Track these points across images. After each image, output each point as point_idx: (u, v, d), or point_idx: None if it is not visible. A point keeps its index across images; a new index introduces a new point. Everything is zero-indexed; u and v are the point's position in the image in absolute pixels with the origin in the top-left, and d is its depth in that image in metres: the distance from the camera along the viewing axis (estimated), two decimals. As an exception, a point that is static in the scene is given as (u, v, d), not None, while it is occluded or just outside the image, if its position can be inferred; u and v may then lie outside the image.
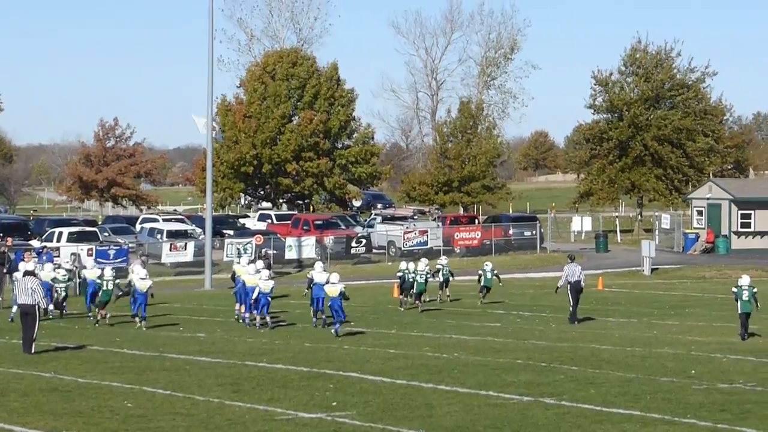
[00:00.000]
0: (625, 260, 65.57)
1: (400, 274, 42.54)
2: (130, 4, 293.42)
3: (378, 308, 43.04)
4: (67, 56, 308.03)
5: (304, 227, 68.02)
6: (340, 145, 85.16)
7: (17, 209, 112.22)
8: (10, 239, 55.66)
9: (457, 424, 18.24)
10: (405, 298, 42.68)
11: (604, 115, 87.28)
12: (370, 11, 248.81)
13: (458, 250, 66.80)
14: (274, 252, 60.44)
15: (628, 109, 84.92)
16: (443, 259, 46.23)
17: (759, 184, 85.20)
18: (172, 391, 21.40)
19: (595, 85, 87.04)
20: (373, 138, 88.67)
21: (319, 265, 36.53)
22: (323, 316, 35.23)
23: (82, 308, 39.25)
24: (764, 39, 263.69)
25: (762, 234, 68.95)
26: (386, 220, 74.25)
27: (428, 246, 65.88)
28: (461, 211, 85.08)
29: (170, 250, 61.13)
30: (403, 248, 65.59)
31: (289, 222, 71.34)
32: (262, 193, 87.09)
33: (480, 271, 44.74)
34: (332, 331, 32.25)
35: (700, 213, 71.90)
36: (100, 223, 76.82)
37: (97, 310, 36.73)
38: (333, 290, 32.77)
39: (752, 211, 69.01)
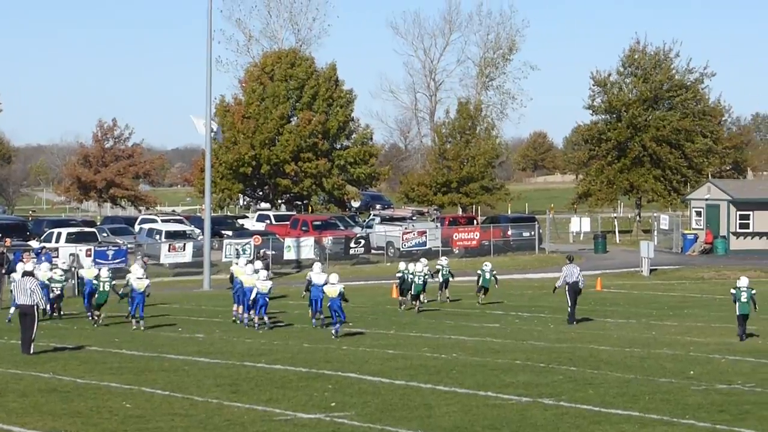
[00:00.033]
0: (624, 261, 65.59)
1: (399, 274, 42.55)
2: (129, 5, 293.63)
3: (377, 309, 43.05)
4: (65, 57, 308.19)
5: (303, 228, 68.02)
6: (338, 146, 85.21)
7: (16, 210, 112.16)
8: (8, 240, 55.65)
9: (456, 425, 18.24)
10: (404, 299, 42.68)
11: (603, 116, 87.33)
12: (369, 12, 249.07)
13: (457, 251, 66.80)
14: (273, 252, 60.48)
15: (626, 109, 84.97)
16: (443, 260, 46.27)
17: (757, 184, 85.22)
18: (170, 392, 21.40)
19: (593, 85, 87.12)
20: (371, 139, 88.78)
21: (317, 266, 36.52)
22: (321, 317, 35.21)
23: (81, 309, 39.20)
24: (763, 40, 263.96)
25: (761, 235, 68.98)
26: (385, 220, 74.29)
27: (427, 247, 65.89)
28: (460, 212, 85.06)
29: (169, 251, 61.12)
30: (401, 249, 65.60)
31: (287, 223, 71.34)
32: (260, 193, 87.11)
33: (479, 271, 44.81)
34: (332, 331, 32.23)
35: (698, 214, 71.93)
36: (98, 223, 76.80)
37: (97, 312, 36.68)
38: (332, 290, 32.76)
39: (751, 212, 69.05)
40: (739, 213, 69.10)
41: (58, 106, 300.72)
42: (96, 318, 36.46)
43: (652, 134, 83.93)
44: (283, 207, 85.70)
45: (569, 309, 36.92)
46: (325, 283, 34.38)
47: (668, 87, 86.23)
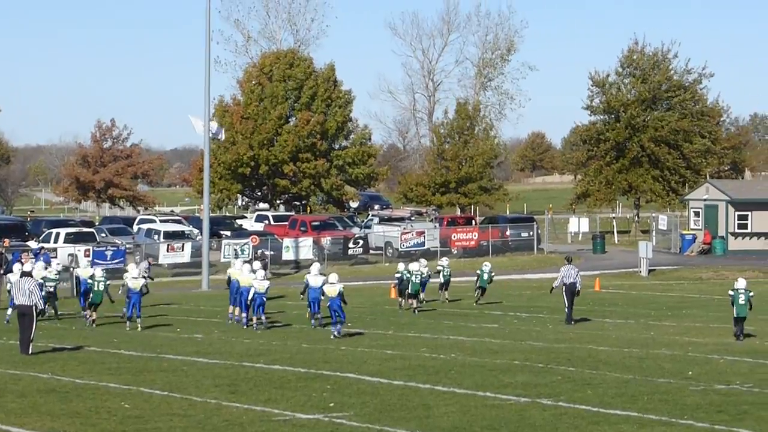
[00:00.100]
0: (622, 261, 65.62)
1: (398, 275, 42.53)
2: (128, 5, 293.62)
3: (375, 309, 43.05)
4: (64, 57, 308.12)
5: (302, 228, 68.03)
6: (337, 146, 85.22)
7: (14, 210, 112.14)
8: (7, 240, 55.69)
9: (454, 425, 18.25)
10: (403, 300, 42.65)
11: (601, 117, 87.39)
12: (367, 13, 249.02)
13: (455, 251, 66.81)
14: (272, 253, 60.48)
15: (625, 110, 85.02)
16: (444, 260, 46.37)
17: (756, 185, 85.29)
18: (169, 392, 21.40)
19: (592, 86, 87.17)
20: (370, 139, 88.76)
21: (315, 267, 36.47)
22: (320, 317, 35.19)
23: (78, 309, 39.17)
24: (761, 40, 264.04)
25: (759, 235, 69.01)
26: (383, 221, 74.28)
27: (425, 247, 65.91)
28: (458, 212, 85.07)
29: (167, 251, 61.11)
30: (400, 249, 65.61)
31: (286, 223, 71.34)
32: (259, 194, 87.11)
33: (478, 271, 44.86)
34: (334, 332, 32.14)
35: (697, 214, 71.96)
36: (97, 224, 76.80)
37: (89, 311, 36.63)
38: (332, 290, 32.69)
39: (749, 213, 69.08)
40: (737, 213, 69.14)
41: (56, 106, 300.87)
42: (89, 317, 36.36)
43: (651, 135, 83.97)
44: (282, 207, 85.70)
45: (566, 310, 36.95)
46: (323, 285, 34.41)
47: (667, 87, 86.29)
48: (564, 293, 36.96)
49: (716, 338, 32.02)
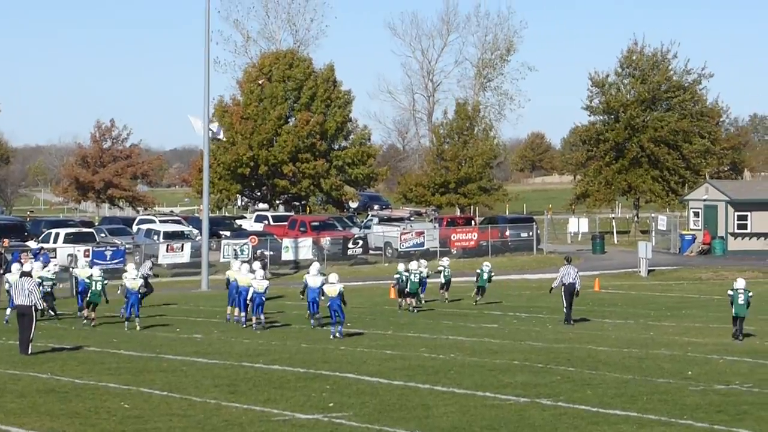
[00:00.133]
0: (622, 261, 65.63)
1: (397, 276, 42.51)
2: (127, 6, 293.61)
3: (375, 309, 43.04)
4: (64, 57, 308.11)
5: (301, 228, 68.02)
6: (336, 147, 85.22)
7: (14, 210, 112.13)
8: (6, 240, 55.69)
9: (454, 425, 18.24)
10: (403, 300, 42.63)
11: (601, 117, 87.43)
12: (366, 13, 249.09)
13: (455, 252, 66.81)
14: (271, 253, 60.47)
15: (624, 110, 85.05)
16: (445, 260, 46.46)
17: (755, 185, 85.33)
18: (168, 392, 21.39)
19: (591, 86, 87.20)
20: (369, 139, 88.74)
21: (314, 267, 36.46)
22: (319, 317, 35.19)
23: (76, 309, 39.17)
24: (761, 41, 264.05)
25: (758, 235, 69.03)
26: (383, 221, 74.27)
27: (425, 247, 65.92)
28: (458, 213, 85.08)
29: (167, 252, 61.11)
30: (399, 249, 65.61)
31: (285, 223, 71.33)
32: (258, 194, 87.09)
33: (478, 270, 44.89)
34: (336, 333, 32.07)
35: (696, 214, 71.99)
36: (96, 224, 76.80)
37: (86, 310, 36.64)
38: (332, 290, 32.61)
39: (749, 213, 69.11)
40: (737, 214, 69.16)
41: (56, 106, 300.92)
42: (86, 316, 36.37)
43: (650, 135, 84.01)
44: (281, 207, 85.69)
45: (565, 310, 36.96)
46: (322, 285, 34.42)
47: (666, 88, 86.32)
48: (563, 293, 36.96)
49: (716, 338, 32.03)
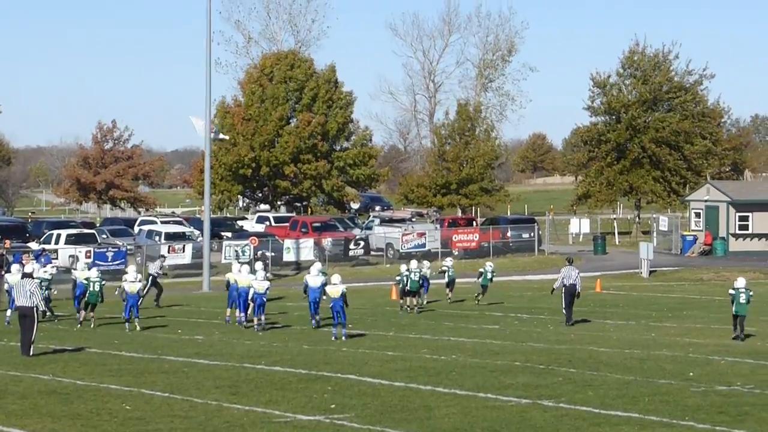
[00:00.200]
0: (623, 262, 65.63)
1: (399, 277, 42.52)
2: (128, 6, 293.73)
3: (376, 310, 43.04)
4: (65, 58, 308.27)
5: (303, 229, 68.04)
6: (338, 148, 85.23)
7: (15, 211, 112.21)
8: (8, 241, 55.70)
9: (455, 427, 18.25)
10: (405, 301, 42.64)
11: (602, 118, 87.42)
12: (368, 13, 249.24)
13: (456, 253, 66.81)
14: (273, 254, 60.50)
15: (626, 111, 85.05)
16: (448, 260, 46.63)
17: (756, 186, 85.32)
18: (170, 394, 21.40)
19: (593, 87, 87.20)
20: (371, 140, 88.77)
21: (314, 267, 36.50)
22: (318, 318, 35.23)
23: (72, 310, 39.21)
24: (762, 41, 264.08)
25: (760, 236, 69.03)
26: (384, 222, 74.28)
27: (426, 248, 65.91)
28: (459, 214, 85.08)
29: (168, 253, 61.11)
30: (401, 250, 65.61)
31: (287, 224, 71.36)
32: (260, 195, 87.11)
33: (481, 270, 44.94)
34: (341, 335, 32.05)
35: (698, 215, 71.99)
36: (98, 225, 76.82)
37: (84, 312, 36.66)
38: (335, 291, 32.52)
39: (750, 214, 69.11)
40: (738, 214, 69.16)
41: (57, 107, 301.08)
42: (83, 318, 36.40)
43: (652, 136, 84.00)
44: (283, 208, 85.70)
45: (564, 311, 36.97)
46: (322, 285, 34.46)
47: (667, 88, 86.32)
48: (563, 294, 36.97)
49: (717, 339, 32.03)
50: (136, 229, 70.27)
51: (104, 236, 66.36)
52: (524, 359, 26.62)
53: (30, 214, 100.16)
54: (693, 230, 71.84)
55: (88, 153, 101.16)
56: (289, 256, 63.26)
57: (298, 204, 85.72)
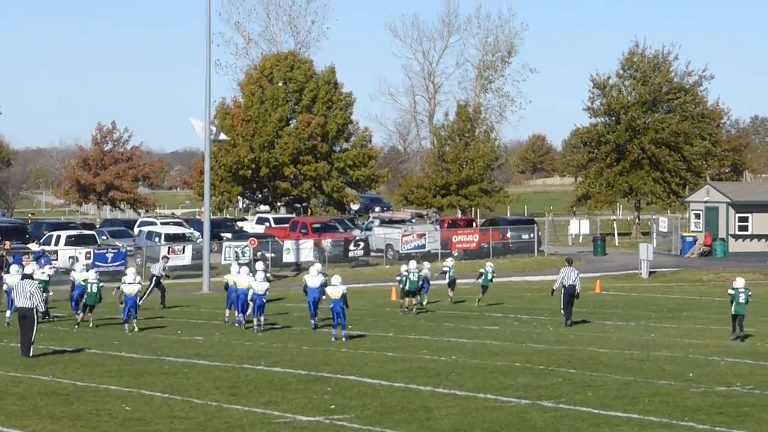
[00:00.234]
0: (623, 263, 65.62)
1: (399, 277, 42.52)
2: (128, 7, 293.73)
3: (376, 311, 43.04)
4: (64, 59, 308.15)
5: (302, 230, 68.04)
6: (337, 149, 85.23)
7: (15, 213, 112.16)
8: (8, 243, 55.66)
9: (455, 427, 18.26)
10: (405, 301, 42.64)
11: (602, 119, 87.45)
12: (367, 15, 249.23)
13: (456, 254, 66.79)
14: (272, 255, 60.49)
15: (625, 112, 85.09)
16: (449, 261, 46.68)
17: (756, 187, 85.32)
18: (170, 395, 21.41)
19: (592, 88, 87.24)
20: (370, 141, 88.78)
21: (314, 268, 36.51)
22: (316, 319, 35.28)
23: (70, 311, 39.23)
24: (762, 42, 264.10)
25: (759, 237, 69.03)
26: (384, 223, 74.27)
27: (426, 249, 65.92)
28: (459, 215, 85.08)
29: (168, 254, 61.04)
30: (401, 251, 65.60)
31: (287, 225, 71.37)
32: (260, 196, 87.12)
33: (482, 270, 44.95)
34: (341, 337, 32.05)
35: (697, 216, 71.98)
36: (98, 226, 76.80)
37: (82, 313, 36.69)
38: (335, 292, 32.45)
39: (749, 215, 69.11)
40: (737, 215, 69.16)
41: (57, 108, 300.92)
42: (80, 319, 36.44)
43: (651, 137, 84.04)
44: (283, 210, 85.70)
45: (562, 311, 36.99)
46: (322, 285, 34.45)
47: (667, 90, 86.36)
48: (562, 295, 36.98)
49: (717, 340, 32.04)
50: (136, 230, 70.24)
51: (104, 237, 66.34)
52: (524, 360, 26.63)
53: (30, 215, 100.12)
54: (693, 231, 71.84)
55: (87, 154, 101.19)
56: (288, 257, 63.26)
57: (298, 205, 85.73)
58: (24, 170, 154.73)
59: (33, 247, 59.11)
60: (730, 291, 32.72)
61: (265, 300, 35.00)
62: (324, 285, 35.02)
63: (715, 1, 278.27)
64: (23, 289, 27.80)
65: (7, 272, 39.18)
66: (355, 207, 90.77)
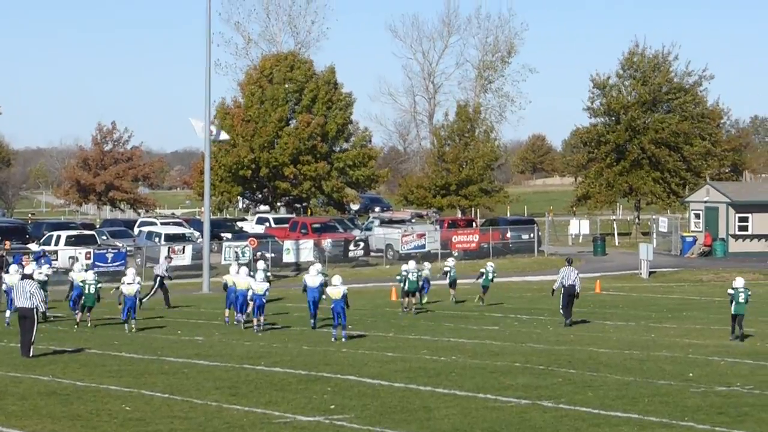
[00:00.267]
0: (623, 263, 65.63)
1: (400, 277, 42.52)
2: (128, 7, 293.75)
3: (376, 311, 43.04)
4: (64, 59, 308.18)
5: (302, 230, 68.05)
6: (337, 149, 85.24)
7: (15, 213, 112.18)
8: (8, 243, 55.67)
9: (455, 427, 18.26)
10: (405, 301, 42.66)
11: (602, 119, 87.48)
12: (367, 15, 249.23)
13: (456, 254, 66.81)
14: (272, 255, 60.49)
15: (625, 112, 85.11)
16: (450, 261, 46.71)
17: (756, 187, 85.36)
18: (170, 395, 21.41)
19: (592, 88, 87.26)
20: (370, 141, 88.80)
21: (313, 267, 36.51)
22: (312, 321, 35.31)
23: (69, 311, 39.24)
24: (762, 42, 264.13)
25: (759, 237, 69.03)
26: (384, 223, 74.29)
27: (426, 249, 65.93)
28: (459, 215, 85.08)
29: (169, 254, 61.04)
30: (401, 251, 65.61)
31: (287, 225, 71.38)
32: (259, 196, 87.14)
33: (483, 270, 44.95)
34: (341, 337, 32.05)
35: (697, 216, 71.99)
36: (98, 226, 76.82)
37: (81, 313, 36.73)
38: (336, 292, 32.39)
39: (749, 214, 69.12)
40: (737, 215, 69.17)
41: (57, 109, 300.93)
42: (81, 319, 36.49)
43: (651, 137, 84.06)
44: (283, 210, 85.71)
45: (561, 311, 36.99)
46: (321, 285, 34.43)
47: (667, 90, 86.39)
48: (562, 295, 36.98)
49: (717, 340, 32.05)
50: (136, 230, 70.26)
51: (104, 238, 66.35)
52: (524, 360, 26.63)
53: (30, 215, 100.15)
54: (692, 231, 71.85)
55: (87, 154, 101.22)
56: (288, 258, 63.28)
57: (298, 205, 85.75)
58: (24, 170, 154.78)
59: (33, 247, 59.12)
60: (730, 291, 32.76)
61: (264, 300, 35.01)
62: (323, 285, 35.02)
63: (715, 1, 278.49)
64: (23, 289, 27.80)
65: (7, 272, 39.20)
66: (355, 207, 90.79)
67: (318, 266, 37.49)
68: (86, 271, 39.01)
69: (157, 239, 64.54)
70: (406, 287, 41.73)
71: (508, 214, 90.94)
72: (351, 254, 65.96)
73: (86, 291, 36.17)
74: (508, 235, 70.44)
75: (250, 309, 35.53)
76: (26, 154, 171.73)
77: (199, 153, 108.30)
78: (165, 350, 29.14)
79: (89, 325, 36.12)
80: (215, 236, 63.02)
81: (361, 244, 66.58)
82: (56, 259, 56.46)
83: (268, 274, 38.54)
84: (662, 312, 41.99)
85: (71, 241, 61.82)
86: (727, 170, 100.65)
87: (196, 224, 72.53)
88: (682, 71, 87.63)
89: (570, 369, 25.04)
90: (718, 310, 41.14)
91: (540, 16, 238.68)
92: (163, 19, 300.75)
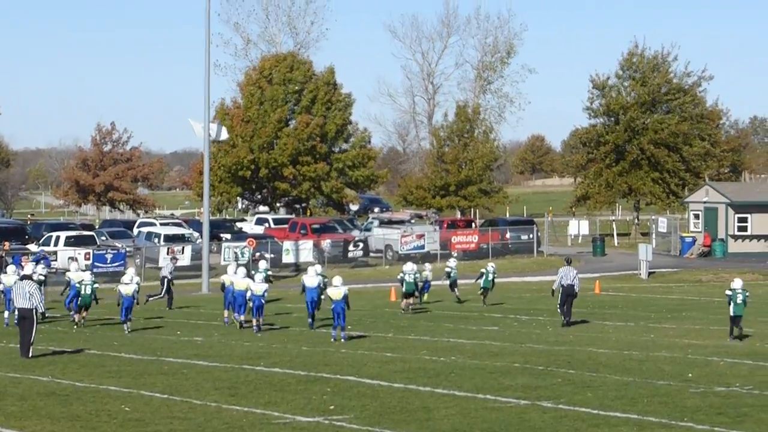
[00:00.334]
0: (622, 264, 65.63)
1: (400, 277, 42.51)
2: (128, 8, 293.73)
3: (375, 312, 43.04)
4: (64, 60, 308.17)
5: (302, 231, 68.05)
6: (337, 149, 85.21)
7: (14, 213, 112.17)
8: (7, 243, 55.69)
9: (454, 428, 18.26)
10: (404, 301, 42.67)
11: (601, 119, 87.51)
12: (367, 15, 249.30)
13: (455, 254, 66.79)
14: (272, 256, 60.48)
15: (624, 113, 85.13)
16: (452, 261, 46.70)
17: (755, 187, 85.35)
18: (169, 395, 21.41)
19: (592, 89, 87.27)
20: (369, 142, 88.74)
21: (312, 268, 36.49)
22: (309, 321, 35.31)
23: (64, 311, 39.26)
24: (761, 43, 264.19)
25: (758, 237, 69.05)
26: (383, 223, 74.30)
27: (425, 250, 65.93)
28: (458, 215, 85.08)
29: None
30: (400, 252, 65.61)
31: (286, 226, 71.38)
32: (259, 197, 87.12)
33: (483, 270, 44.94)
34: (341, 337, 32.04)
35: (696, 216, 72.01)
36: (97, 227, 76.81)
37: (78, 314, 36.78)
38: (336, 293, 32.34)
39: (749, 215, 69.15)
40: (737, 216, 69.19)
41: (56, 109, 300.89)
42: (78, 319, 36.54)
43: (650, 137, 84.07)
44: (282, 210, 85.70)
45: (558, 310, 37.00)
46: (319, 285, 34.41)
47: (666, 90, 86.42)
48: (561, 294, 36.98)
49: (716, 340, 32.06)
50: (135, 231, 70.24)
51: (103, 238, 66.33)
52: (523, 360, 26.63)
53: (29, 216, 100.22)
54: (692, 232, 71.87)
55: (87, 155, 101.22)
56: (288, 258, 63.27)
57: (297, 206, 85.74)
58: (23, 171, 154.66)
59: (32, 247, 59.12)
60: (728, 292, 32.78)
61: (263, 301, 35.01)
62: (321, 285, 35.01)
63: (715, 2, 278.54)
64: (22, 289, 27.81)
65: (4, 272, 39.24)
66: (354, 208, 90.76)
67: (317, 267, 37.48)
68: (84, 271, 39.02)
69: (156, 240, 64.53)
70: (404, 289, 41.77)
71: (508, 215, 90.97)
72: (350, 255, 65.96)
73: (83, 291, 36.18)
74: (508, 235, 70.45)
75: (249, 311, 35.52)
76: (25, 154, 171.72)
77: (198, 153, 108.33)
78: (164, 351, 29.14)
79: (82, 323, 36.16)
80: (214, 237, 63.02)
81: (361, 245, 66.58)
82: (55, 260, 56.45)
83: (269, 274, 38.52)
84: (661, 312, 42.01)
85: (70, 242, 61.82)
86: (726, 171, 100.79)
87: (196, 225, 72.52)
88: (682, 72, 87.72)
89: (569, 369, 25.05)
90: (718, 310, 41.13)
91: (539, 16, 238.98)
92: (162, 19, 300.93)
